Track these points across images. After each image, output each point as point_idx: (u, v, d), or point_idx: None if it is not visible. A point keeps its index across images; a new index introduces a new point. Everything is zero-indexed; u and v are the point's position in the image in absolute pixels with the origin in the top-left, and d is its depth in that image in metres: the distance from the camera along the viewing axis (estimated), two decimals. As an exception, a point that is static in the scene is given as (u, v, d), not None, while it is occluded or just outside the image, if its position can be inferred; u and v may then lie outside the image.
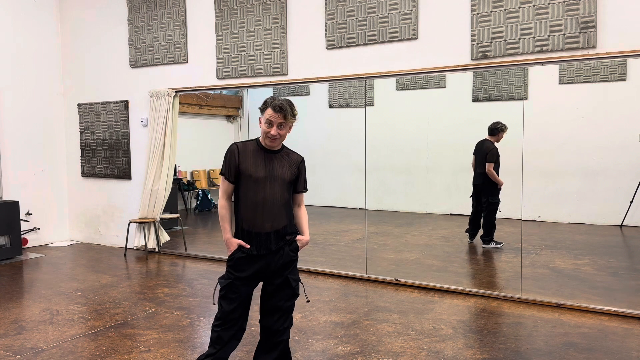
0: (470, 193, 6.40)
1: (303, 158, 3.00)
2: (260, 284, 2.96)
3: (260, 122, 2.85)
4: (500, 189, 6.12)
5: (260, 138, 2.90)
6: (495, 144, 6.13)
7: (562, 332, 3.98)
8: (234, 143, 2.91)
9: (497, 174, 6.13)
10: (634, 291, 4.98)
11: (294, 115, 2.85)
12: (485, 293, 4.90)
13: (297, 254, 2.99)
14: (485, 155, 6.13)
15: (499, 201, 6.16)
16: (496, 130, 6.12)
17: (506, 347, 3.72)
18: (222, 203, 2.91)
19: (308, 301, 3.12)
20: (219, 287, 2.89)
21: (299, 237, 2.97)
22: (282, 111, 2.78)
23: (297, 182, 2.96)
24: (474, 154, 6.35)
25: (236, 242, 2.85)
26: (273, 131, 2.79)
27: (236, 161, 2.85)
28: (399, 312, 4.47)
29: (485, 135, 6.21)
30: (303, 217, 3.03)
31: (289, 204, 2.91)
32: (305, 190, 3.04)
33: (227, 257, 2.91)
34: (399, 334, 3.97)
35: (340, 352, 3.66)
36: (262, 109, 2.85)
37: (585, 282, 5.21)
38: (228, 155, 2.88)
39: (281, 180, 2.85)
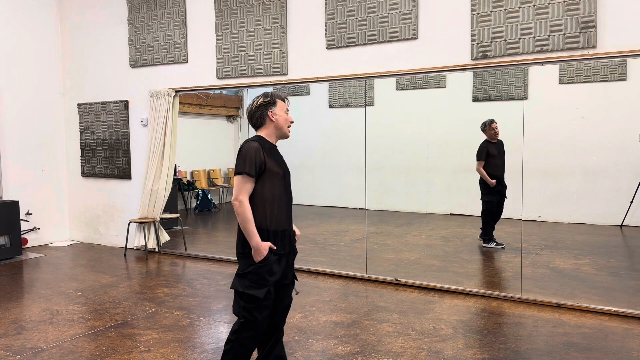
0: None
1: None
2: None
3: (272, 115, 2.84)
4: (496, 189, 6.09)
5: (265, 134, 2.86)
6: (492, 141, 6.10)
7: (562, 332, 3.98)
8: (253, 141, 2.78)
9: (497, 171, 6.12)
10: (634, 291, 4.98)
11: None
12: (485, 293, 4.90)
13: None
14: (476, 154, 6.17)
15: (491, 200, 6.11)
16: (484, 130, 6.13)
17: (506, 347, 3.72)
18: (247, 205, 2.70)
19: (297, 293, 3.09)
20: (246, 297, 2.76)
21: (298, 233, 3.02)
22: (287, 101, 2.96)
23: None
24: None
25: (268, 246, 2.72)
26: (291, 117, 2.93)
27: (262, 159, 2.73)
28: (399, 312, 4.47)
29: (483, 135, 6.22)
30: None
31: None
32: None
33: (253, 263, 2.74)
34: (399, 334, 3.97)
35: (340, 352, 3.66)
36: (273, 101, 2.86)
37: (585, 282, 5.21)
38: (253, 153, 2.71)
39: (289, 176, 2.95)
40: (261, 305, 2.75)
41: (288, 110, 2.94)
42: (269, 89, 6.18)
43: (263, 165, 2.73)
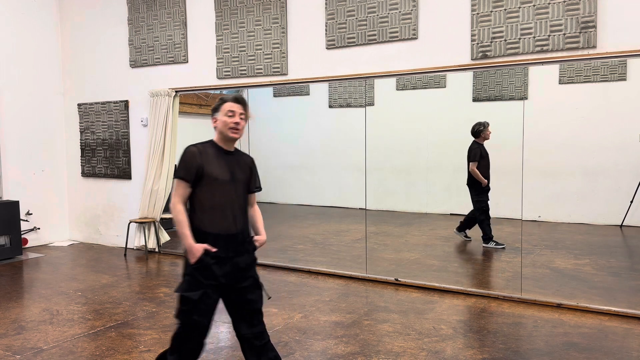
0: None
1: (253, 158, 3.01)
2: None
3: (216, 121, 2.84)
4: (487, 188, 6.22)
5: (215, 138, 2.85)
6: (484, 143, 6.25)
7: (562, 332, 3.98)
8: (192, 145, 2.83)
9: (487, 172, 6.24)
10: (634, 291, 4.98)
11: (249, 113, 2.89)
12: (485, 293, 4.91)
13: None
14: (468, 156, 6.27)
15: (484, 199, 6.25)
16: (478, 132, 6.24)
17: (506, 347, 3.72)
18: (179, 208, 2.73)
19: (269, 298, 3.06)
20: (180, 300, 2.76)
21: (256, 237, 2.96)
22: (242, 102, 2.83)
23: (250, 182, 2.95)
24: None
25: (202, 247, 2.70)
26: (236, 118, 2.78)
27: (198, 163, 2.75)
28: (399, 312, 4.47)
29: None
30: (258, 217, 3.04)
31: (245, 206, 2.91)
32: (259, 189, 3.03)
33: (190, 265, 2.72)
34: (399, 334, 3.97)
35: (340, 352, 3.66)
36: (217, 107, 2.84)
37: (585, 282, 5.21)
38: (188, 157, 2.75)
39: (241, 182, 2.87)
40: (198, 308, 2.69)
41: (233, 112, 2.79)
42: (269, 89, 6.20)
43: (200, 169, 2.74)
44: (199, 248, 2.69)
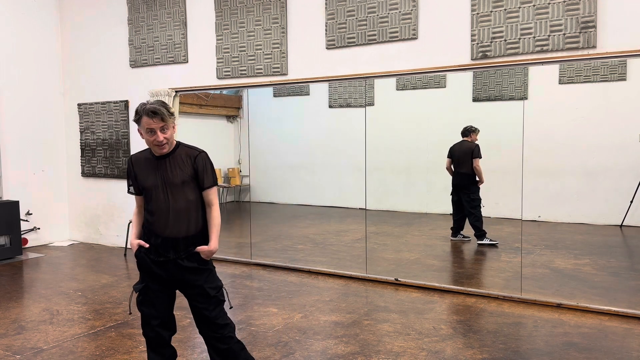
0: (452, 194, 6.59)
1: (200, 152, 2.83)
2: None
3: (141, 134, 2.74)
4: (479, 186, 6.34)
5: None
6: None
7: (562, 332, 3.98)
8: (130, 156, 2.92)
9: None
10: (634, 291, 4.98)
11: (171, 114, 2.73)
12: (485, 293, 4.90)
13: (208, 264, 2.84)
14: (471, 152, 6.31)
15: (479, 197, 6.33)
16: (469, 132, 6.35)
17: (506, 347, 3.72)
18: (134, 210, 2.96)
19: (231, 307, 2.98)
20: (135, 294, 2.92)
21: (199, 248, 2.77)
22: (157, 115, 2.65)
23: (198, 180, 2.78)
24: (449, 156, 6.53)
25: (136, 243, 2.82)
26: (159, 137, 2.68)
27: (134, 175, 2.86)
28: (399, 312, 4.47)
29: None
30: (212, 221, 2.80)
31: (192, 209, 2.76)
32: (211, 185, 2.80)
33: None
34: (399, 334, 3.97)
35: (340, 352, 3.66)
36: (137, 120, 2.70)
37: (585, 282, 5.21)
38: (127, 171, 2.94)
39: (172, 185, 2.74)
40: (143, 300, 2.86)
41: (152, 130, 2.66)
42: (269, 89, 6.19)
43: (135, 181, 2.87)
44: (134, 243, 2.84)
